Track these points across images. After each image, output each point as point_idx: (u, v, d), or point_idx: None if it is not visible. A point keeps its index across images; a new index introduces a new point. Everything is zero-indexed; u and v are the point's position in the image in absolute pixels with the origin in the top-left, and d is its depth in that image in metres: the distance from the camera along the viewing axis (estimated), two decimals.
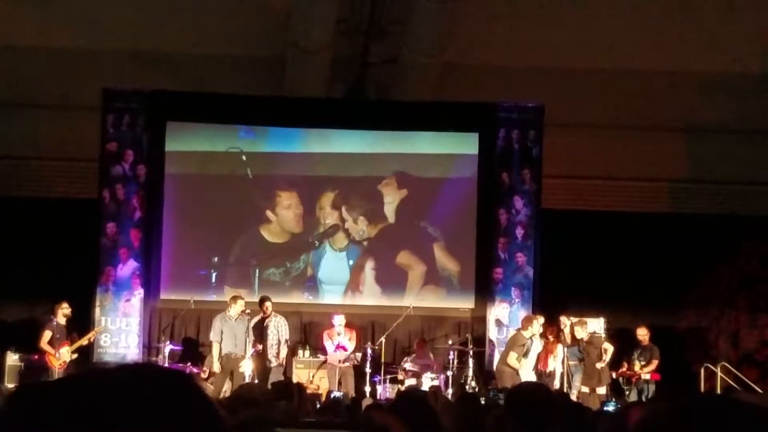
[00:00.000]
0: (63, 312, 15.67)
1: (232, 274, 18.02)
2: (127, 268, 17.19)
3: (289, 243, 18.13)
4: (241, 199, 18.06)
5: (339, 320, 16.28)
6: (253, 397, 6.72)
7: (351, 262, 18.11)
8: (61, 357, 15.46)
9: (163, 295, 17.71)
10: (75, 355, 15.58)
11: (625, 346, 16.68)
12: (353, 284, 18.10)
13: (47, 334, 15.53)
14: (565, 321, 16.18)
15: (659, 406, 1.51)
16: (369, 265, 18.10)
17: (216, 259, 17.96)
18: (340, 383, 15.75)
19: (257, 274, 17.81)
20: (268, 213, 18.01)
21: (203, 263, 17.94)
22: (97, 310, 17.03)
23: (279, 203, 18.07)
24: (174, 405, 1.36)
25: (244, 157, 18.12)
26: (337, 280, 18.11)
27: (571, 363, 15.96)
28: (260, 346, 15.47)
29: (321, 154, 18.29)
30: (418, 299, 17.75)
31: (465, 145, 18.31)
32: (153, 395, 1.35)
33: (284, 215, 18.06)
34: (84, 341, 15.70)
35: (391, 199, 18.13)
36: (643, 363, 16.34)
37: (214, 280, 17.91)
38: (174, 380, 1.40)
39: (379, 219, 18.15)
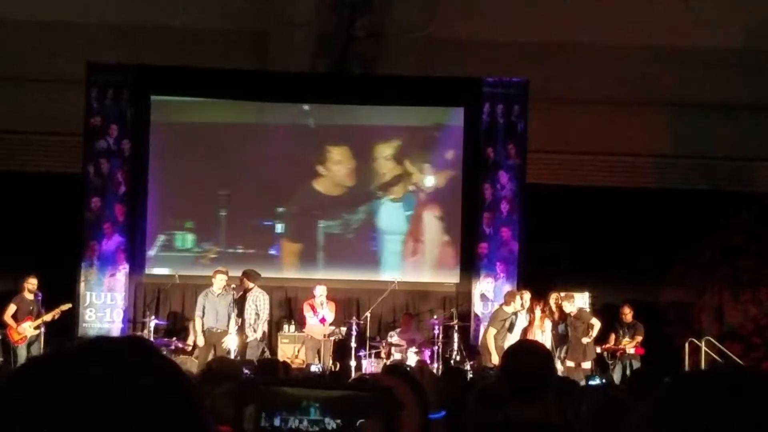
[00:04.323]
0: (29, 287, 15.66)
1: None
2: (112, 242, 17.14)
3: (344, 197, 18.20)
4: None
5: (320, 291, 16.09)
6: (225, 371, 6.70)
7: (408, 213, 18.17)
8: (23, 332, 15.47)
9: (147, 270, 17.68)
10: (37, 331, 15.53)
11: (610, 320, 16.75)
12: (414, 234, 18.12)
13: (11, 308, 15.58)
14: (556, 296, 16.24)
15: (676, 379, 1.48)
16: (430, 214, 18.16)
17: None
18: (319, 355, 15.78)
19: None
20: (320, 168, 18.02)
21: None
22: (82, 285, 17.00)
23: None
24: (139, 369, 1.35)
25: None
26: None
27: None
28: (239, 320, 15.49)
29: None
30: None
31: (449, 117, 18.32)
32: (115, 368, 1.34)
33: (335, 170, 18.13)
34: (48, 317, 15.60)
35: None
36: (628, 340, 16.48)
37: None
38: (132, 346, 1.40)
39: None
